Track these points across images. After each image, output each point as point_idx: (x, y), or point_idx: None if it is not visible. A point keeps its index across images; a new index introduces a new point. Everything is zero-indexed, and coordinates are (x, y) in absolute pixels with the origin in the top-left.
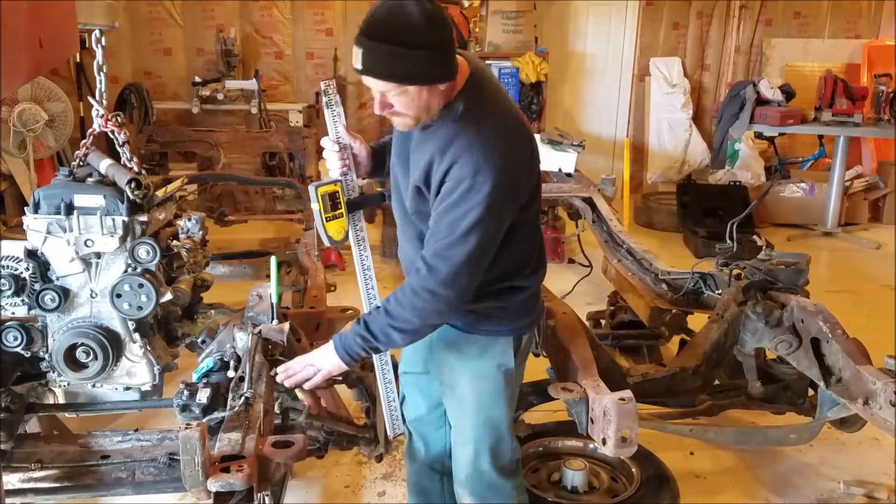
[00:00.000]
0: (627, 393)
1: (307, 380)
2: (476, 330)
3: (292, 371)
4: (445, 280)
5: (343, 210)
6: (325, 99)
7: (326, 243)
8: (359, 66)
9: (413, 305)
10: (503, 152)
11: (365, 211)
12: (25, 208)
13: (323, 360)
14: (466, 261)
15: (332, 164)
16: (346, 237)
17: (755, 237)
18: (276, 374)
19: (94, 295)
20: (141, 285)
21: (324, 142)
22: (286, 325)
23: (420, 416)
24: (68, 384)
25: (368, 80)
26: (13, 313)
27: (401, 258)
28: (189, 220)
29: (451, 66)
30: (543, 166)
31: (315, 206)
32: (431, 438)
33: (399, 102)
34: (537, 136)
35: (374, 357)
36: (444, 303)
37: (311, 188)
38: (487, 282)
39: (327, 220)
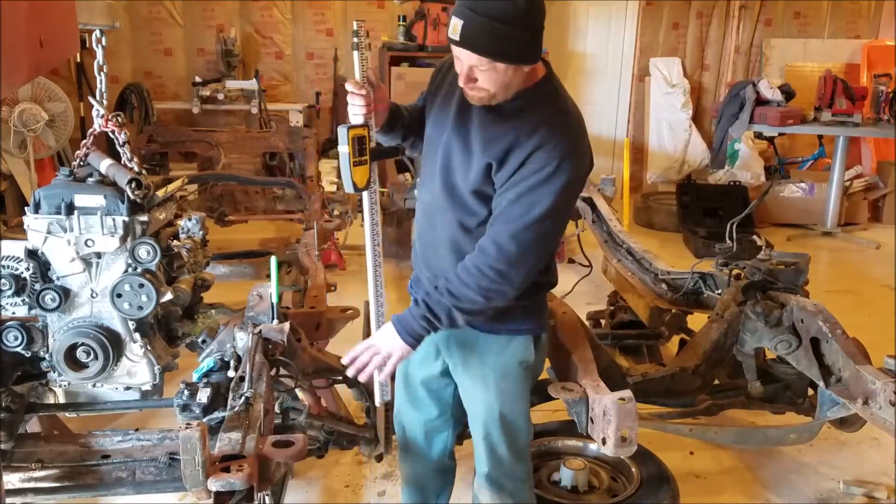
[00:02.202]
0: (627, 393)
1: (378, 366)
2: (498, 330)
3: (361, 363)
4: (514, 261)
5: (368, 157)
6: (355, 40)
7: (350, 190)
8: (456, 37)
9: (479, 285)
10: (583, 149)
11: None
12: (26, 208)
13: (388, 346)
14: (536, 245)
15: (356, 109)
16: (368, 186)
17: (755, 237)
18: (345, 368)
19: (94, 295)
20: (141, 285)
21: (349, 85)
22: (286, 325)
23: (430, 418)
24: (69, 384)
25: (461, 52)
26: (14, 313)
27: (422, 244)
28: (189, 220)
29: (539, 51)
30: None
31: (344, 148)
32: (437, 440)
33: (485, 78)
34: None
35: (373, 328)
36: (510, 284)
37: (340, 129)
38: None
39: (354, 166)
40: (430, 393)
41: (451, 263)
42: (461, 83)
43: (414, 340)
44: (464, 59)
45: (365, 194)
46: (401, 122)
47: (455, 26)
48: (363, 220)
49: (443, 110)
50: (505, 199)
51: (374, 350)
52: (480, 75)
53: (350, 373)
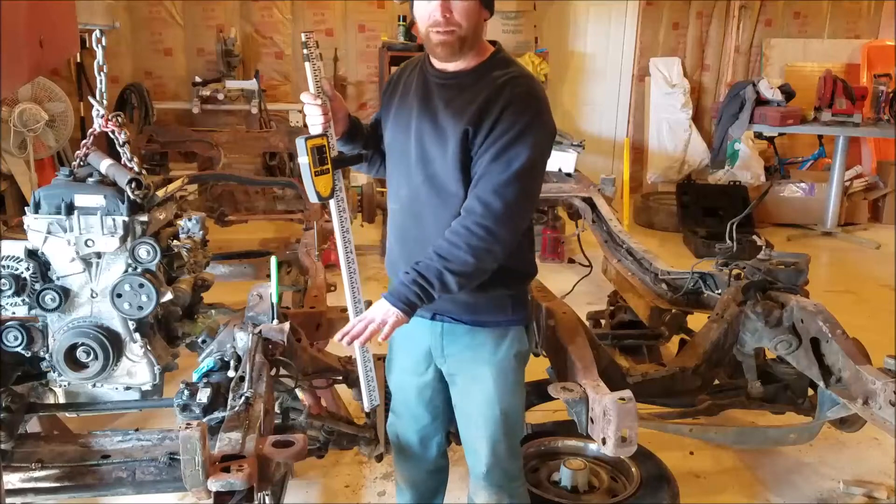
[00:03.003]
0: (627, 393)
1: (373, 335)
2: (488, 323)
3: (356, 331)
4: (501, 217)
5: (329, 166)
6: (305, 52)
7: (314, 199)
8: None
9: (468, 244)
10: (548, 109)
11: (365, 211)
12: (26, 208)
13: (382, 314)
14: (519, 200)
15: (314, 119)
16: (332, 194)
17: (755, 237)
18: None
19: (94, 295)
20: (141, 285)
21: (304, 96)
22: (286, 325)
23: (424, 425)
24: (69, 384)
25: None
26: (14, 313)
27: (406, 244)
28: (189, 220)
29: (492, 6)
30: None
31: (304, 159)
32: (432, 443)
33: (459, 8)
34: None
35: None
36: (498, 242)
37: (299, 141)
38: (505, 262)
39: (316, 175)
40: (424, 401)
41: None
42: (438, 16)
43: (407, 307)
44: None
45: (332, 203)
46: (360, 132)
47: None
48: (364, 219)
49: (403, 107)
50: (484, 160)
51: (368, 320)
52: (456, 5)
53: (345, 342)
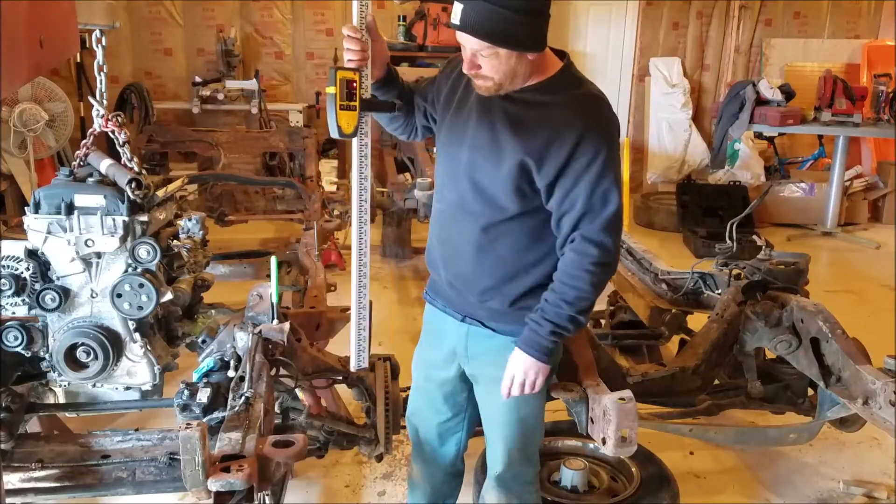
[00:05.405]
0: (627, 393)
1: (531, 390)
2: (514, 332)
3: (517, 392)
4: (613, 250)
5: (357, 104)
6: None
7: (335, 134)
8: (456, 21)
9: (591, 283)
10: (617, 126)
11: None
12: (26, 208)
13: (532, 371)
14: (621, 227)
15: (351, 55)
16: (355, 132)
17: (755, 237)
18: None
19: (94, 295)
20: (141, 285)
21: (346, 28)
22: (286, 325)
23: (444, 420)
24: (69, 384)
25: (463, 38)
26: (13, 313)
27: (443, 246)
28: (189, 220)
29: (543, 38)
30: None
31: (331, 89)
32: (450, 441)
33: (487, 64)
34: None
35: (353, 289)
36: (614, 269)
37: (330, 71)
38: (539, 279)
39: (341, 109)
40: (446, 395)
41: (474, 262)
42: (465, 70)
43: (547, 356)
44: (466, 45)
45: (354, 141)
46: (396, 86)
47: (455, 11)
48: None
49: (461, 111)
50: (577, 198)
51: (520, 378)
52: (483, 62)
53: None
